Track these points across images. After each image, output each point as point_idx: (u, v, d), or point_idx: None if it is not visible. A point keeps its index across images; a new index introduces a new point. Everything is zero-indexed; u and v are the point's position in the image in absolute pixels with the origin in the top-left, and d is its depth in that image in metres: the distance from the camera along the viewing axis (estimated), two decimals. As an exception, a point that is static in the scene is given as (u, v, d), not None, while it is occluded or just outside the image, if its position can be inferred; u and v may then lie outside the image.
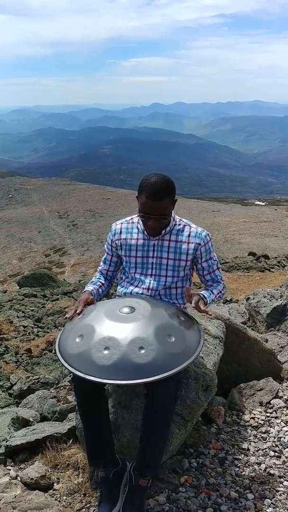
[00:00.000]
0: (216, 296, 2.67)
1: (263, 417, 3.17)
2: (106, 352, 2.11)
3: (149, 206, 2.46)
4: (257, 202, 74.72)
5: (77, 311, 2.44)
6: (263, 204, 71.17)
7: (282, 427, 3.06)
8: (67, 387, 3.76)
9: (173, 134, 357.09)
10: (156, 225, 2.53)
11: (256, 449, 2.86)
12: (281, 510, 2.37)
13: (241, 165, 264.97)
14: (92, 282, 2.83)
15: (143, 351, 2.09)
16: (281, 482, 2.57)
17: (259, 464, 2.72)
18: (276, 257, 23.10)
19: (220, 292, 2.72)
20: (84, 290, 2.73)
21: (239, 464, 2.71)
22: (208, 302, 2.57)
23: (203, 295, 2.56)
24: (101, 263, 2.90)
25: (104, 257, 2.87)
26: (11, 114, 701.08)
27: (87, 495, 2.39)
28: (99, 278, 2.86)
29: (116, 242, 2.72)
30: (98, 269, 2.92)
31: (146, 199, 2.44)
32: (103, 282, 2.84)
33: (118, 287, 2.78)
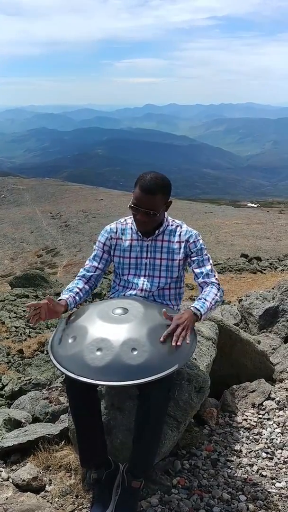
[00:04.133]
0: (211, 302, 2.41)
1: (256, 419, 3.18)
2: (98, 353, 2.10)
3: (139, 198, 2.45)
4: (250, 204, 75.01)
5: (32, 313, 2.27)
6: (255, 206, 71.45)
7: (274, 429, 3.07)
8: (59, 388, 3.75)
9: (166, 136, 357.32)
10: (144, 219, 2.49)
11: (249, 450, 2.87)
12: (273, 511, 2.37)
13: (234, 167, 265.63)
14: (67, 289, 2.60)
15: (135, 353, 2.09)
16: (273, 484, 2.57)
17: (251, 465, 2.72)
18: (268, 259, 23.17)
19: (216, 295, 2.47)
20: (59, 299, 2.50)
21: (232, 466, 2.71)
22: (203, 313, 2.35)
23: (195, 308, 2.34)
24: (88, 262, 2.72)
25: (93, 254, 2.72)
26: (4, 113, 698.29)
27: (79, 496, 2.38)
28: (77, 284, 2.64)
29: (111, 241, 2.70)
30: (81, 270, 2.73)
31: (139, 191, 2.45)
32: (81, 287, 2.62)
33: (112, 290, 2.77)
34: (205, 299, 2.42)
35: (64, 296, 2.51)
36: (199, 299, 2.44)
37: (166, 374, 2.09)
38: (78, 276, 2.69)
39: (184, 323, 2.22)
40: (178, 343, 2.13)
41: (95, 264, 2.70)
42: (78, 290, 2.58)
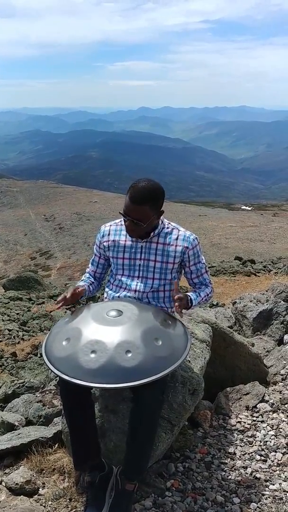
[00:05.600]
0: (202, 298, 2.69)
1: (249, 421, 3.18)
2: (92, 355, 2.10)
3: (128, 207, 2.48)
4: (244, 207, 75.18)
5: (67, 296, 2.47)
6: (249, 208, 71.61)
7: (268, 431, 3.07)
8: (53, 391, 3.73)
9: (161, 138, 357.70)
10: (132, 227, 2.54)
11: (242, 453, 2.87)
12: (267, 514, 2.37)
13: (227, 170, 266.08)
14: (82, 280, 2.84)
15: (130, 355, 2.08)
16: (267, 486, 2.57)
17: (245, 468, 2.72)
18: (262, 262, 23.22)
19: (207, 295, 2.74)
20: (77, 285, 2.73)
21: (226, 468, 2.71)
22: (194, 304, 2.60)
23: (190, 297, 2.59)
24: (89, 265, 2.90)
25: (92, 258, 2.88)
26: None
27: (73, 500, 2.37)
28: (89, 278, 2.87)
29: (104, 243, 2.72)
30: (86, 271, 2.92)
31: (128, 200, 2.47)
32: (93, 281, 2.85)
33: (106, 290, 2.77)
34: (199, 294, 2.69)
35: (80, 283, 2.76)
36: (195, 291, 2.72)
37: (161, 377, 2.09)
38: (87, 273, 2.91)
39: (182, 301, 2.48)
40: (177, 313, 2.45)
41: (94, 268, 2.88)
42: (91, 282, 2.84)
